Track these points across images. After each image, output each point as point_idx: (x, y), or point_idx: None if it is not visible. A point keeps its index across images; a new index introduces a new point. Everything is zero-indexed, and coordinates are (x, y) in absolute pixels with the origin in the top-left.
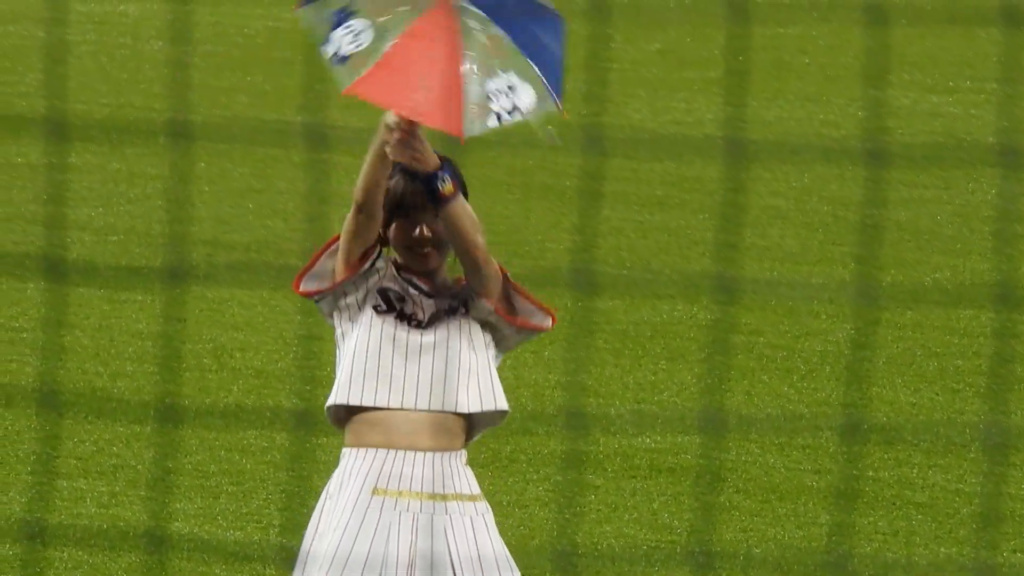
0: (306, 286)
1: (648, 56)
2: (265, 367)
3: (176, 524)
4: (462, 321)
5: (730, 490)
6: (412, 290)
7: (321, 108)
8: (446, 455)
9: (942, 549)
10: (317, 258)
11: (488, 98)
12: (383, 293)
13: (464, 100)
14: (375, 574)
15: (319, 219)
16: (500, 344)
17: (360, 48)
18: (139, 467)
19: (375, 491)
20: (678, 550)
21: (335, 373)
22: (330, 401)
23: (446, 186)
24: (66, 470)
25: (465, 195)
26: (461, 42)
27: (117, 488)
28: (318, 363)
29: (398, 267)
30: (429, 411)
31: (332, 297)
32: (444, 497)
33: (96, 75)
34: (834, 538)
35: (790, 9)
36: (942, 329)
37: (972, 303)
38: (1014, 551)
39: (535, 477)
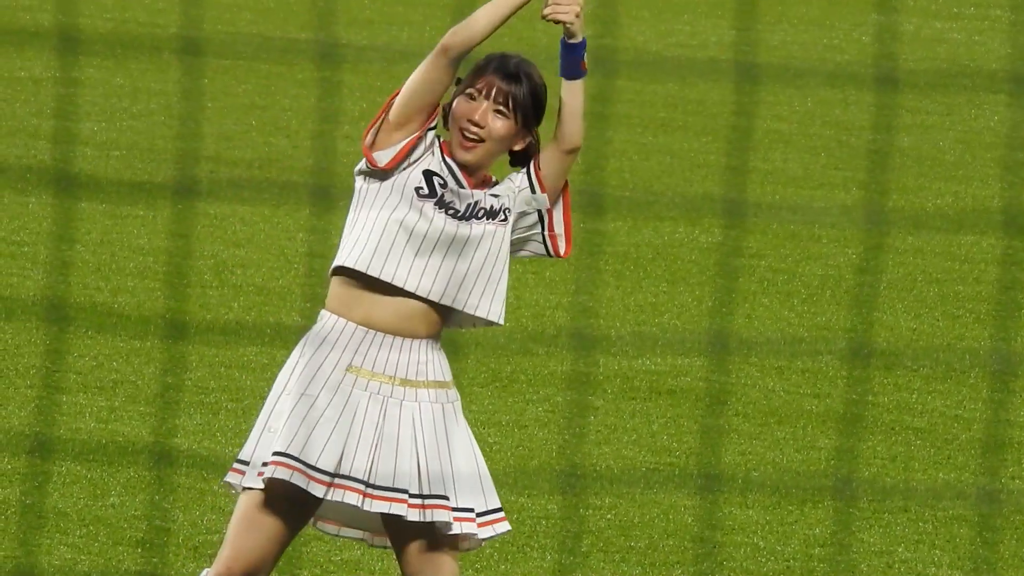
0: (370, 141)
1: None
2: (266, 284)
3: (175, 440)
4: (497, 227)
5: (729, 413)
6: (452, 180)
7: (326, 25)
8: (424, 342)
9: (940, 474)
10: (385, 110)
11: None
12: (428, 176)
13: None
14: (341, 440)
15: (322, 136)
16: (512, 250)
17: None
18: (139, 383)
19: (349, 368)
20: (677, 472)
21: (343, 231)
22: (340, 261)
23: (585, 61)
24: (66, 384)
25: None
26: None
27: (117, 403)
28: (319, 280)
29: (444, 153)
30: (429, 300)
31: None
32: (416, 384)
33: None
34: (833, 462)
35: None
36: (943, 255)
37: (974, 229)
38: (1012, 478)
39: (535, 398)
